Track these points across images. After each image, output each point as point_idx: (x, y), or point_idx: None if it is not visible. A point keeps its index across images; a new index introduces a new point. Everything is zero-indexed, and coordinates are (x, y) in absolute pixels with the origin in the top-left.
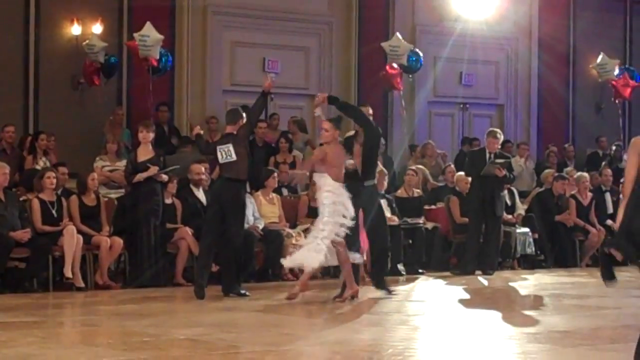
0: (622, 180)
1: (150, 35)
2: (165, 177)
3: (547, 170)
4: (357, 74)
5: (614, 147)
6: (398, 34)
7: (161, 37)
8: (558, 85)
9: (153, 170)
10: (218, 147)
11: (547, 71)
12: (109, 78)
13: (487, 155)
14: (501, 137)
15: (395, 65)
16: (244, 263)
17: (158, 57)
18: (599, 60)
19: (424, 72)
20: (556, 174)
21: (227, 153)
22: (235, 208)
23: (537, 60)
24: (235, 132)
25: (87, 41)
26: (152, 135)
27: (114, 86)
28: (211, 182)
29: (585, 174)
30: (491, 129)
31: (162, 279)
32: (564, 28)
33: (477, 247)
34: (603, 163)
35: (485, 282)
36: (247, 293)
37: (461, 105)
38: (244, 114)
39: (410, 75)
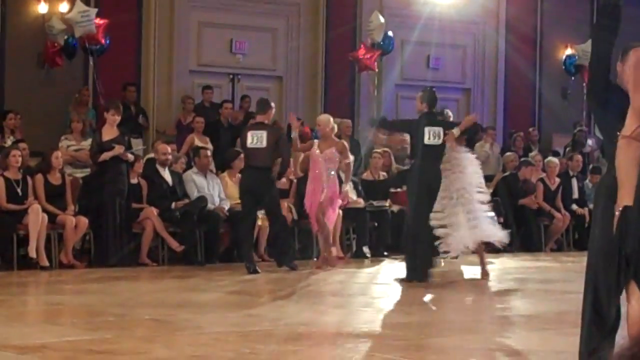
0: (591, 166)
1: (89, 10)
2: (131, 157)
3: (508, 154)
4: (324, 57)
5: (577, 132)
6: (377, 11)
7: (96, 9)
8: (525, 68)
9: (119, 149)
10: (250, 132)
11: (514, 54)
12: (71, 59)
13: None
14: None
15: (369, 44)
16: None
17: (95, 31)
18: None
19: (391, 55)
20: (522, 159)
21: (259, 139)
22: (269, 196)
23: (504, 43)
24: (269, 123)
25: (47, 22)
26: (119, 117)
27: (79, 65)
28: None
29: (555, 159)
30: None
31: (127, 259)
32: (530, 11)
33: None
34: (567, 149)
35: (449, 265)
36: (259, 270)
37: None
38: (272, 104)
39: (382, 58)
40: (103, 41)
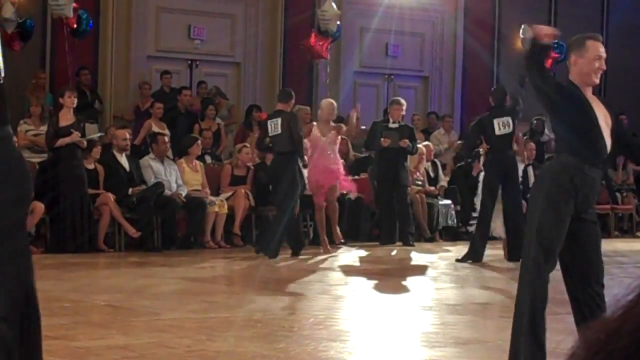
0: (547, 156)
1: None
2: (85, 143)
3: (458, 142)
4: (283, 44)
5: (535, 121)
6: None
7: None
8: (483, 56)
9: (76, 136)
10: (269, 122)
11: (473, 43)
12: (26, 42)
13: (391, 124)
14: (404, 104)
15: (319, 32)
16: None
17: (72, 16)
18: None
19: (350, 42)
20: (476, 150)
21: (275, 126)
22: (283, 178)
23: (462, 31)
24: (285, 110)
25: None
26: (76, 100)
27: (36, 49)
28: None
29: None
30: (394, 97)
31: (84, 245)
32: None
33: (391, 218)
34: (525, 137)
35: (406, 254)
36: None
37: (386, 76)
38: (293, 94)
39: (340, 45)
40: (76, 25)
